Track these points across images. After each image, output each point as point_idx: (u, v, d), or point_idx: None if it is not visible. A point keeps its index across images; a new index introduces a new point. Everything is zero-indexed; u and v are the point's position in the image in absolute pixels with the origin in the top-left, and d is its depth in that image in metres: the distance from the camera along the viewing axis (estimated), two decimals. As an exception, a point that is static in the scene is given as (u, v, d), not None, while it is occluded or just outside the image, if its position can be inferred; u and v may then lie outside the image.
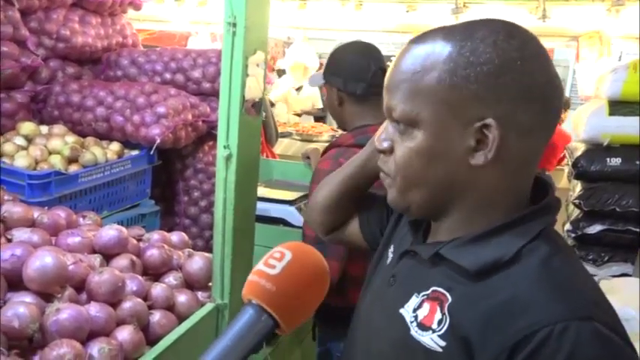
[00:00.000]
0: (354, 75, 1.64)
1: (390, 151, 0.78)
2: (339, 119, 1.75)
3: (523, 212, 0.74)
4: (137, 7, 2.46)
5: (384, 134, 0.79)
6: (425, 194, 0.76)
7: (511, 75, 0.69)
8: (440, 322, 0.71)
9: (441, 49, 0.71)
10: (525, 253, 0.70)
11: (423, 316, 0.73)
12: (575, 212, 2.62)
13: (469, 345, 0.67)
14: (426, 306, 0.73)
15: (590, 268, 2.47)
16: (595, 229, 2.50)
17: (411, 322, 0.74)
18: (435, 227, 0.82)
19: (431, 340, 0.71)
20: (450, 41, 0.71)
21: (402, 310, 0.76)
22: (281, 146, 4.47)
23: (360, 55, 1.67)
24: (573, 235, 2.55)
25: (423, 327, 0.72)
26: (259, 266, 0.71)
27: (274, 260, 0.71)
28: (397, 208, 0.81)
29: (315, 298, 0.73)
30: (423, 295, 0.75)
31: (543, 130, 0.73)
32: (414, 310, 0.75)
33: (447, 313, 0.71)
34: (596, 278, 2.04)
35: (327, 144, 4.25)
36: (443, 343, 0.69)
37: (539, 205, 0.75)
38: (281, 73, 6.26)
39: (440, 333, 0.70)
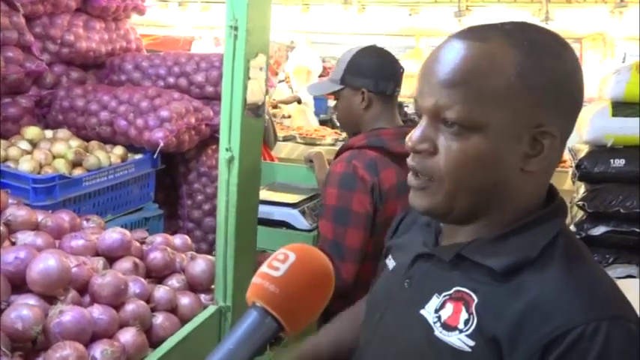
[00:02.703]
0: (385, 75, 1.67)
1: (431, 152, 0.74)
2: (356, 124, 1.71)
3: (540, 212, 0.75)
4: (141, 12, 2.48)
5: (420, 132, 0.75)
6: (473, 199, 0.74)
7: (569, 85, 0.72)
8: (467, 322, 0.71)
9: (508, 52, 0.70)
10: (548, 253, 0.71)
11: (447, 316, 0.73)
12: (579, 214, 2.61)
13: (498, 344, 0.67)
14: (450, 306, 0.73)
15: (595, 270, 2.46)
16: (599, 230, 2.49)
17: (434, 323, 0.74)
18: (451, 229, 0.81)
19: (458, 340, 0.70)
20: (515, 45, 0.70)
21: (422, 311, 0.76)
22: (285, 150, 4.47)
23: (383, 56, 1.71)
24: (577, 236, 2.53)
25: (448, 327, 0.72)
26: (263, 268, 0.71)
27: (278, 262, 0.70)
28: (436, 212, 0.77)
29: (320, 300, 0.72)
30: (445, 296, 0.74)
31: (569, 137, 0.76)
32: (436, 311, 0.74)
33: (474, 313, 0.71)
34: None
35: (330, 147, 4.25)
36: (472, 343, 0.69)
37: (554, 205, 0.76)
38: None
39: (467, 333, 0.70)
